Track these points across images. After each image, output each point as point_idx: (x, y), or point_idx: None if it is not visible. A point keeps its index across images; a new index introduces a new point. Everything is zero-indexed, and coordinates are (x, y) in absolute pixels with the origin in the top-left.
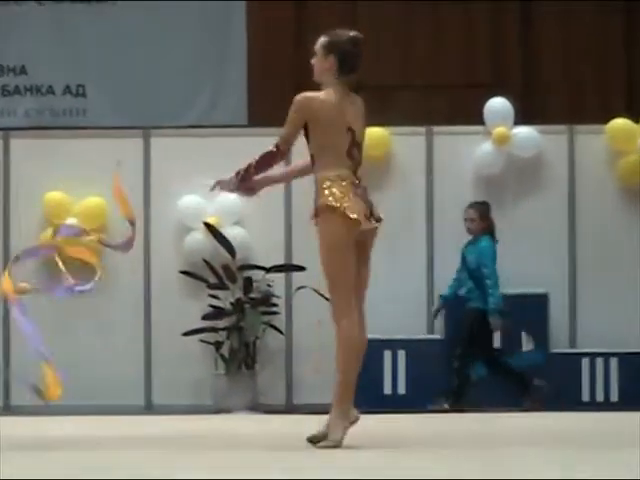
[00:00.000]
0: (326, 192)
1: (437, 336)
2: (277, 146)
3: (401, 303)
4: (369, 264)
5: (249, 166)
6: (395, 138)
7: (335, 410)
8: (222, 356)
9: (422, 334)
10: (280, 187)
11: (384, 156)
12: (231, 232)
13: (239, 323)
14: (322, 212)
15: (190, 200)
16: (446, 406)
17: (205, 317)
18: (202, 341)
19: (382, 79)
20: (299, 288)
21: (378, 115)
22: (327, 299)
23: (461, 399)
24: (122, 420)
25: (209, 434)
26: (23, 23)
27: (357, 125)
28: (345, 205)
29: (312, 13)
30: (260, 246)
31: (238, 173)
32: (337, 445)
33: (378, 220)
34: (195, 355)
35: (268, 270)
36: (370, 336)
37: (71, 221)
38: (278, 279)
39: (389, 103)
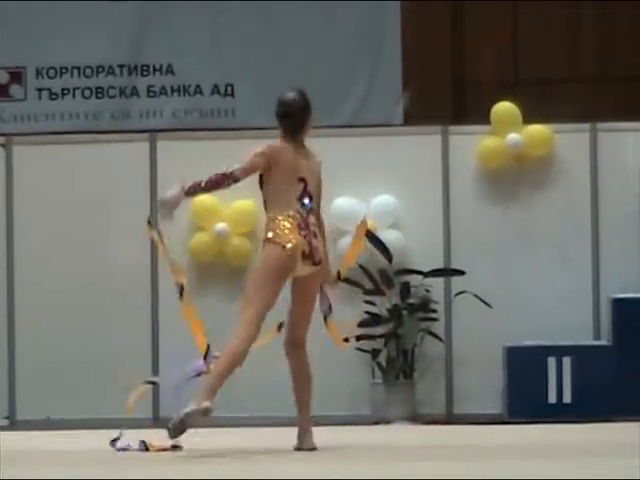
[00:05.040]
0: (272, 229)
1: (604, 342)
2: (232, 172)
3: (567, 307)
4: (311, 305)
5: (198, 184)
6: (558, 136)
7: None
8: (379, 364)
9: (588, 340)
10: (438, 188)
11: (547, 155)
12: (387, 235)
13: (396, 330)
14: (264, 245)
15: (344, 202)
16: None
17: (361, 324)
18: (358, 349)
19: (545, 73)
20: (459, 293)
21: (540, 110)
22: (488, 305)
23: None
24: (274, 432)
25: (369, 445)
26: (169, 19)
27: (310, 178)
28: (286, 240)
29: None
30: (417, 250)
31: (188, 190)
32: None
33: (315, 264)
34: (351, 363)
35: (426, 275)
36: (534, 342)
37: (222, 226)
38: (437, 284)
39: (552, 98)
